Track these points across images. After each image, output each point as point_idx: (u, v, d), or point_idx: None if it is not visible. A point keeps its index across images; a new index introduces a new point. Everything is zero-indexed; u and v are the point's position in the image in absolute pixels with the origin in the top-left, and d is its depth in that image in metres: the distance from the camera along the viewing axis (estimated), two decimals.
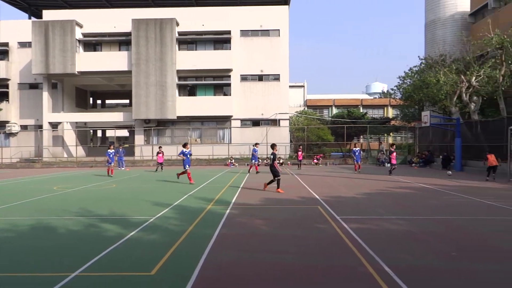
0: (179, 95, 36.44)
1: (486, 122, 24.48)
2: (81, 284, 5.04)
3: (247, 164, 28.65)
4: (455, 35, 34.38)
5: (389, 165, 31.52)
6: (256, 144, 23.43)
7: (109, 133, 52.69)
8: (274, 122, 36.47)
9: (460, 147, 25.15)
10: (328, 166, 31.99)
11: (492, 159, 18.61)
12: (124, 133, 53.02)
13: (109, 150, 23.44)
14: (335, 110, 59.04)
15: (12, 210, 10.69)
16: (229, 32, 36.43)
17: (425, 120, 26.44)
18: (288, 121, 37.17)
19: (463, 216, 9.57)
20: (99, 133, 52.71)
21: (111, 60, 35.93)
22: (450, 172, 22.54)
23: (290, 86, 40.21)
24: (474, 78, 25.96)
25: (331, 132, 41.73)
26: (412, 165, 30.74)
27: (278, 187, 14.24)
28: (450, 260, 6.01)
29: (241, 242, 7.09)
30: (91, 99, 47.43)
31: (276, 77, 36.52)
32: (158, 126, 36.57)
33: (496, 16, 30.34)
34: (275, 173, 14.33)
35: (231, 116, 36.33)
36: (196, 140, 37.03)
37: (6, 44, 38.15)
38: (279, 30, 36.56)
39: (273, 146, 14.71)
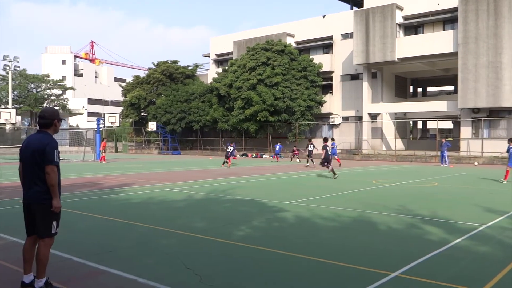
0: None
1: None
2: (401, 286, 5.27)
3: None
4: None
5: None
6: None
7: (430, 124, 52.34)
8: None
9: None
10: None
11: None
12: (448, 124, 51.49)
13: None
14: None
15: (335, 200, 12.19)
16: None
17: None
18: None
19: None
20: (419, 125, 53.18)
21: (433, 42, 35.45)
22: None
23: None
24: None
25: None
26: None
27: None
28: None
29: None
30: (411, 87, 48.39)
31: None
32: (489, 116, 33.65)
33: None
34: None
35: None
36: None
37: (331, 38, 43.66)
38: None
39: None
